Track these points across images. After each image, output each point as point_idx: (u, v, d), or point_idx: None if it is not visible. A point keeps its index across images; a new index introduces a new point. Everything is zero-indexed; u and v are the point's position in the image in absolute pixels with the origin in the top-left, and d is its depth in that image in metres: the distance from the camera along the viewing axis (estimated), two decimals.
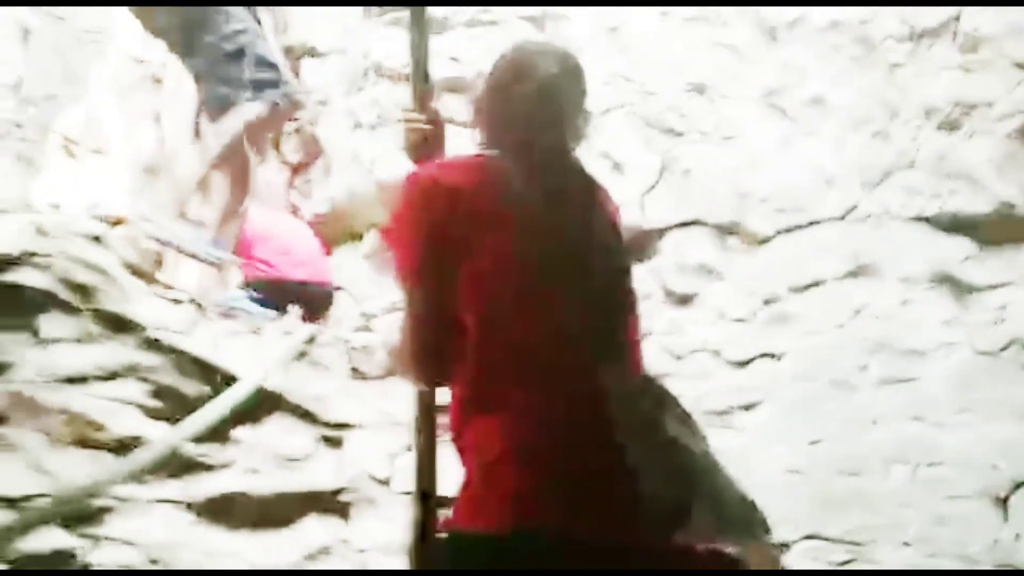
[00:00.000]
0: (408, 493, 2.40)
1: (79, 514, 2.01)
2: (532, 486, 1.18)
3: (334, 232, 4.74)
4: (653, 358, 3.46)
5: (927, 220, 2.89)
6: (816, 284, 2.99)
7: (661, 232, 3.39)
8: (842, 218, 3.03)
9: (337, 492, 2.42)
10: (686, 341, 3.20)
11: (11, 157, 4.42)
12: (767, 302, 3.06)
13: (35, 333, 2.12)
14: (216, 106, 2.94)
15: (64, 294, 2.17)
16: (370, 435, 2.62)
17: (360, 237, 4.64)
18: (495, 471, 1.21)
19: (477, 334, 1.28)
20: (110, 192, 5.58)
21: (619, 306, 1.41)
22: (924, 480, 2.58)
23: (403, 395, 2.88)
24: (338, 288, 4.19)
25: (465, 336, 1.29)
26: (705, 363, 3.13)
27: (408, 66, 1.56)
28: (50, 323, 2.14)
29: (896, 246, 2.92)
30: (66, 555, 1.96)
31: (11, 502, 1.95)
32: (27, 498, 1.97)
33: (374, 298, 4.22)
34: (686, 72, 3.43)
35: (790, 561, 2.56)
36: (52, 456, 2.05)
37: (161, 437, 2.11)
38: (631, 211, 3.62)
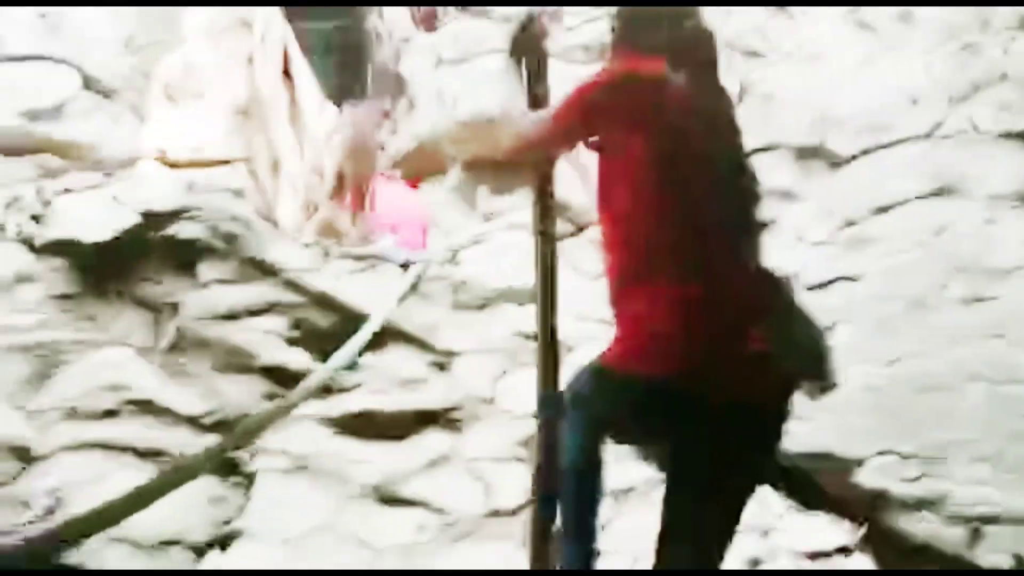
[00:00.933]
0: (511, 411, 2.74)
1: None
2: (679, 342, 1.45)
3: (419, 167, 4.97)
4: None
5: (1018, 136, 2.80)
6: (898, 204, 2.92)
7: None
8: (927, 136, 2.94)
9: (449, 410, 2.76)
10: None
11: (127, 108, 4.75)
12: (847, 224, 3.01)
13: (195, 277, 2.48)
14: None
15: (216, 242, 2.51)
16: (473, 360, 2.94)
17: (444, 171, 4.85)
18: (648, 328, 1.49)
19: (648, 212, 1.53)
20: (210, 134, 5.92)
21: (757, 196, 1.68)
22: (1002, 398, 2.53)
23: (500, 323, 3.20)
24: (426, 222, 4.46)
25: None
26: None
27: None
28: (206, 268, 2.49)
29: (982, 163, 2.83)
30: (231, 463, 2.34)
31: (188, 420, 2.34)
32: (201, 416, 2.36)
33: (460, 229, 4.47)
34: None
35: (863, 477, 2.58)
36: (219, 381, 2.42)
37: (322, 367, 2.44)
38: None
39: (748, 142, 3.62)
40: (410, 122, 4.99)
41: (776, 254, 3.38)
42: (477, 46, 4.57)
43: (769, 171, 3.30)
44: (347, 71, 3.22)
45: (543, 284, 1.68)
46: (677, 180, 1.52)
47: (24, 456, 2.03)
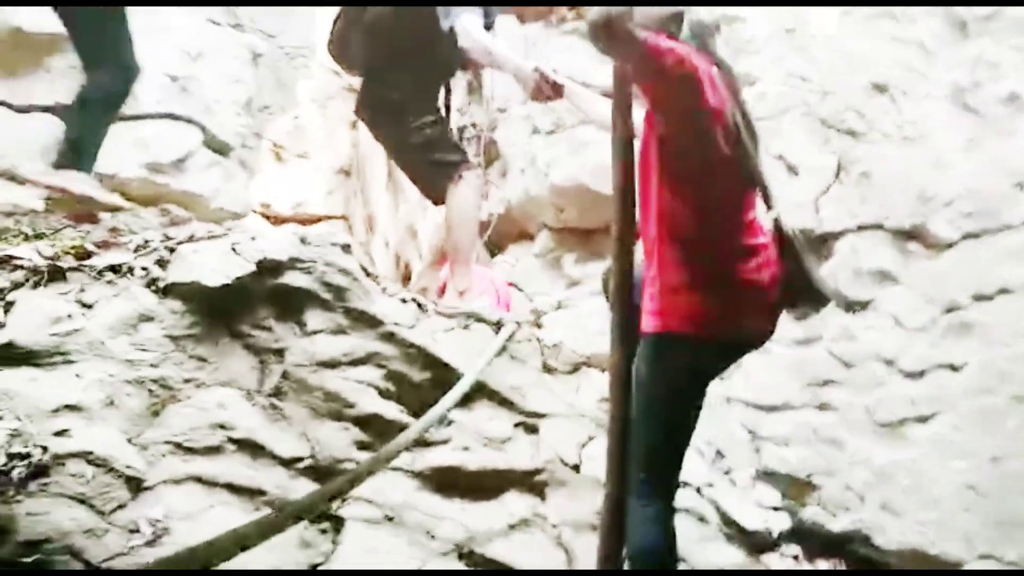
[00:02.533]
0: (596, 479, 2.72)
1: (336, 476, 2.46)
2: (720, 307, 1.97)
3: (509, 231, 5.09)
4: (822, 365, 3.50)
5: None
6: (1002, 292, 2.86)
7: (836, 235, 3.35)
8: None
9: (534, 472, 2.77)
10: (858, 348, 3.19)
11: (239, 165, 5.07)
12: (948, 310, 2.95)
13: (301, 325, 2.59)
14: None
15: (322, 293, 2.62)
16: (560, 424, 2.95)
17: (532, 237, 4.95)
18: (699, 296, 1.96)
19: (699, 205, 1.96)
20: (312, 192, 6.23)
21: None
22: None
23: (587, 389, 3.22)
24: (512, 285, 4.54)
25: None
26: (878, 372, 3.10)
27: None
28: (312, 317, 2.60)
29: None
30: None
31: (284, 462, 2.41)
32: (297, 459, 2.43)
33: (544, 295, 4.53)
34: (867, 70, 3.32)
35: None
36: (314, 426, 2.50)
37: (418, 423, 2.49)
38: (805, 213, 3.62)
39: (843, 221, 3.52)
40: (502, 188, 5.13)
41: (872, 338, 3.30)
42: (570, 117, 4.71)
43: (867, 252, 3.24)
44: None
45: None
46: (724, 166, 1.92)
47: (135, 486, 2.13)
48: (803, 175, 3.54)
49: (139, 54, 3.32)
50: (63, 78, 4.30)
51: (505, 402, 2.86)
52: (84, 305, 2.40)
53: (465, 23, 3.07)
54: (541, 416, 2.91)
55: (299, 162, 6.24)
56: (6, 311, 2.29)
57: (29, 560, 1.85)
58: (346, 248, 2.72)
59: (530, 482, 2.73)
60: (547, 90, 2.73)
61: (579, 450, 2.87)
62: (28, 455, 2.01)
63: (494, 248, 5.14)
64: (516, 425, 2.85)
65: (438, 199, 3.35)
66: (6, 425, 2.07)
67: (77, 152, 3.19)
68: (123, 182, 4.34)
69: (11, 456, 2.01)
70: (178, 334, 2.45)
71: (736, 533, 2.98)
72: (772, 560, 2.96)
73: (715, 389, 3.64)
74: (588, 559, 2.48)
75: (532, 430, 2.87)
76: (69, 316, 2.34)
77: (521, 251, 4.98)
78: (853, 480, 3.17)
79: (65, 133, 3.25)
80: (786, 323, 4.02)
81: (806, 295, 2.08)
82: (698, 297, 1.94)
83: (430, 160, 3.26)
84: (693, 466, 3.12)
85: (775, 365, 3.73)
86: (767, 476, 3.41)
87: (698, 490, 3.07)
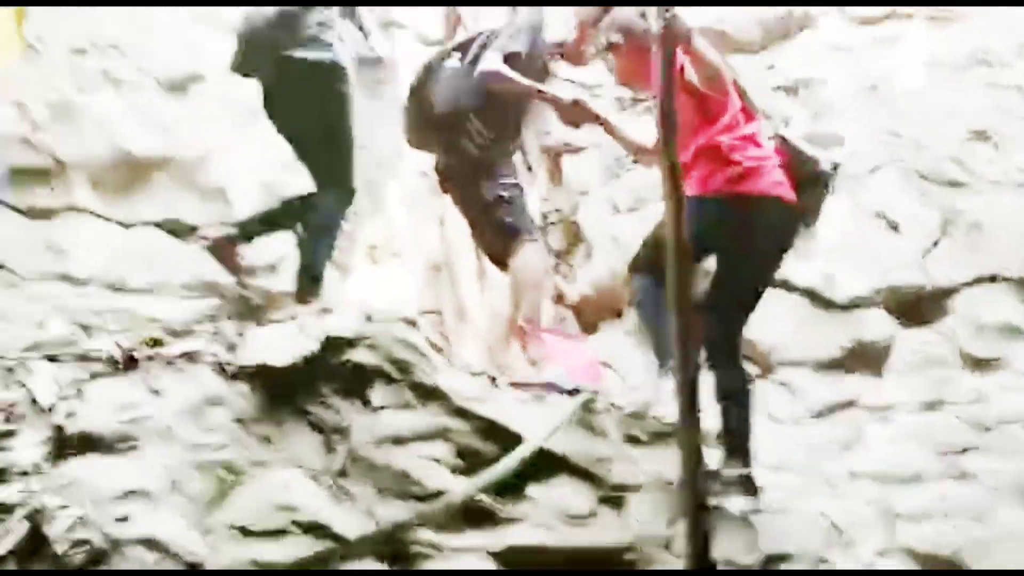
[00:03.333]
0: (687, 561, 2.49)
1: (399, 553, 2.34)
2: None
3: (597, 311, 4.99)
4: (953, 431, 3.21)
5: None
6: None
7: (950, 291, 3.20)
8: None
9: (621, 551, 2.54)
10: (992, 411, 3.01)
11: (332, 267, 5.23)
12: None
13: (367, 402, 2.54)
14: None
15: (388, 368, 2.58)
16: (647, 498, 2.73)
17: (620, 315, 4.84)
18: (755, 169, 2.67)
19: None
20: (405, 290, 6.34)
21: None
22: None
23: (673, 460, 3.00)
24: (604, 364, 4.38)
25: None
26: (1017, 435, 2.95)
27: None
28: (378, 394, 2.55)
29: None
30: None
31: (347, 543, 2.31)
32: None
33: (636, 372, 4.36)
34: (963, 119, 3.29)
35: None
36: (379, 505, 2.41)
37: (461, 488, 2.39)
38: (911, 272, 3.45)
39: (955, 275, 3.40)
40: (587, 269, 5.08)
41: (1005, 398, 3.04)
42: (651, 193, 4.67)
43: (988, 306, 3.05)
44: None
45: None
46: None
47: (196, 571, 2.08)
48: (905, 231, 3.43)
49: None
50: (165, 195, 4.59)
51: (587, 475, 2.67)
52: (154, 392, 2.44)
53: (486, 65, 3.12)
54: (626, 489, 2.70)
55: (392, 261, 6.38)
56: (80, 400, 2.35)
57: None
58: (412, 323, 2.68)
59: (618, 560, 2.51)
60: (585, 118, 3.03)
61: (669, 526, 2.64)
62: (87, 541, 2.00)
63: (587, 328, 5.05)
64: (600, 500, 2.65)
65: (501, 259, 3.32)
66: (72, 512, 2.08)
67: (315, 277, 3.19)
68: (219, 285, 4.52)
69: (74, 543, 2.01)
70: (245, 416, 2.44)
71: None
72: None
73: (839, 464, 3.44)
74: None
75: (617, 505, 2.67)
76: (139, 403, 2.38)
77: (612, 330, 4.88)
78: (1003, 556, 2.85)
79: (301, 261, 3.25)
80: (907, 387, 3.77)
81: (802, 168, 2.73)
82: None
83: (501, 220, 3.27)
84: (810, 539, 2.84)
85: (899, 434, 3.47)
86: (904, 554, 3.09)
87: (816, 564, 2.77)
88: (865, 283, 3.69)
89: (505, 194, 3.28)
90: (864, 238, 3.63)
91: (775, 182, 2.68)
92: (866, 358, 3.72)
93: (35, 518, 2.00)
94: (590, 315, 4.91)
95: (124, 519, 2.09)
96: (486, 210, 3.32)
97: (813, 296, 3.84)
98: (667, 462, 2.92)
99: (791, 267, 3.46)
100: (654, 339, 2.85)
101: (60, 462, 2.21)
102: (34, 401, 2.36)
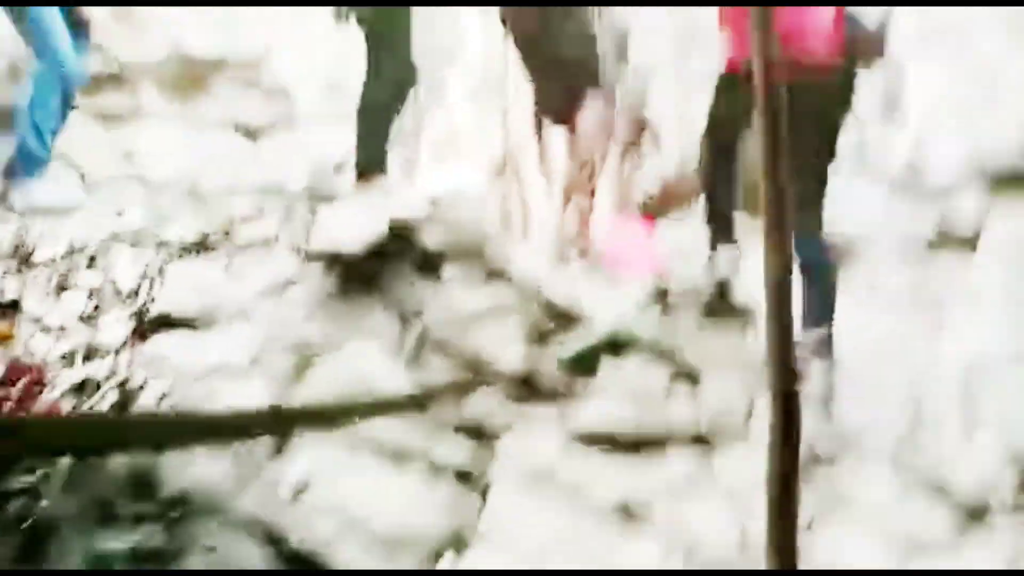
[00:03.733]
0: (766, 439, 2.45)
1: (480, 433, 2.37)
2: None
3: (666, 198, 4.87)
4: None
5: None
6: None
7: None
8: None
9: (694, 431, 2.52)
10: None
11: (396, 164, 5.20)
12: None
13: (439, 282, 2.53)
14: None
15: (458, 249, 2.56)
16: (724, 377, 2.69)
17: (689, 201, 4.72)
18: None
19: None
20: (471, 182, 6.28)
21: None
22: None
23: (750, 341, 2.93)
24: (672, 247, 4.30)
25: None
26: None
27: None
28: (450, 273, 2.54)
29: None
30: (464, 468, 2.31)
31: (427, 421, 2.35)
32: None
33: (703, 254, 4.26)
34: None
35: None
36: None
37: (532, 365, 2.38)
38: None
39: None
40: (655, 159, 4.94)
41: None
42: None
43: None
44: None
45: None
46: None
47: (279, 444, 2.14)
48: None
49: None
50: (228, 95, 4.59)
51: (659, 355, 2.64)
52: (232, 274, 2.48)
53: None
54: (699, 370, 2.66)
55: (455, 157, 6.33)
56: (160, 283, 2.40)
57: (176, 514, 1.89)
58: (480, 203, 2.63)
59: (692, 439, 2.49)
60: None
61: (745, 405, 2.59)
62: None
63: (656, 214, 4.97)
64: (674, 378, 2.62)
65: (566, 117, 3.25)
66: (159, 386, 2.16)
67: (378, 161, 3.23)
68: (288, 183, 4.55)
69: None
70: (320, 296, 2.46)
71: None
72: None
73: (925, 348, 3.32)
74: (758, 520, 2.20)
75: (691, 384, 2.63)
76: (217, 285, 2.42)
77: (681, 216, 4.78)
78: None
79: (362, 146, 3.29)
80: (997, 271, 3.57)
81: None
82: None
83: (572, 72, 3.18)
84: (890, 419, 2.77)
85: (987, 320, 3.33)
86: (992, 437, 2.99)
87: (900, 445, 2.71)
88: (958, 159, 3.50)
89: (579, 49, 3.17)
90: (958, 106, 3.40)
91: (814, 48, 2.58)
92: (955, 241, 3.56)
93: (124, 392, 2.08)
94: (660, 201, 4.81)
95: (210, 393, 2.14)
96: (557, 62, 3.23)
97: (900, 177, 3.67)
98: (738, 344, 2.87)
99: (878, 143, 3.27)
100: (722, 217, 2.80)
101: (144, 341, 2.27)
102: (116, 286, 2.43)
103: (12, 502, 1.71)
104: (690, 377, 2.64)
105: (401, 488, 2.21)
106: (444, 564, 2.15)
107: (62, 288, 2.36)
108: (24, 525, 1.71)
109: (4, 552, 1.61)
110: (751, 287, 3.19)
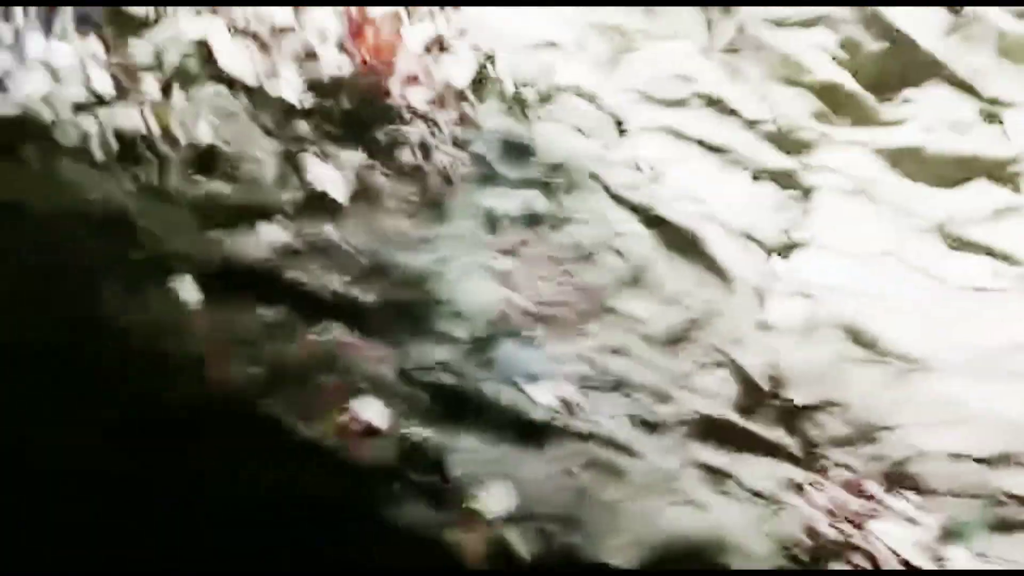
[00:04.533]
0: None
1: (797, 145, 2.23)
2: None
3: None
4: None
5: None
6: None
7: None
8: None
9: (1004, 162, 2.38)
10: None
11: None
12: None
13: None
14: None
15: None
16: None
17: None
18: None
19: None
20: None
21: None
22: None
23: None
24: None
25: None
26: None
27: None
28: None
29: None
30: (787, 173, 2.19)
31: (748, 123, 2.20)
32: (758, 122, 2.21)
33: None
34: None
35: None
36: (772, 89, 2.25)
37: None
38: None
39: None
40: None
41: None
42: None
43: None
44: None
45: None
46: None
47: (619, 127, 2.01)
48: None
49: None
50: None
51: (964, 86, 2.44)
52: None
53: None
54: (1006, 105, 2.47)
55: None
56: None
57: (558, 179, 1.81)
58: None
59: (1001, 172, 2.35)
60: None
61: None
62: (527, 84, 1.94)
63: None
64: (978, 113, 2.44)
65: None
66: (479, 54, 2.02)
67: None
68: None
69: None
70: None
71: None
72: None
73: None
74: None
75: (994, 119, 2.45)
76: None
77: None
78: None
79: None
80: None
81: None
82: None
83: None
84: None
85: None
86: None
87: None
88: None
89: None
90: None
91: None
92: None
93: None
94: None
95: (547, 68, 1.98)
96: None
97: None
98: None
99: None
100: None
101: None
102: None
103: None
104: (992, 112, 2.47)
105: (732, 186, 2.10)
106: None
107: None
108: None
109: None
110: None
